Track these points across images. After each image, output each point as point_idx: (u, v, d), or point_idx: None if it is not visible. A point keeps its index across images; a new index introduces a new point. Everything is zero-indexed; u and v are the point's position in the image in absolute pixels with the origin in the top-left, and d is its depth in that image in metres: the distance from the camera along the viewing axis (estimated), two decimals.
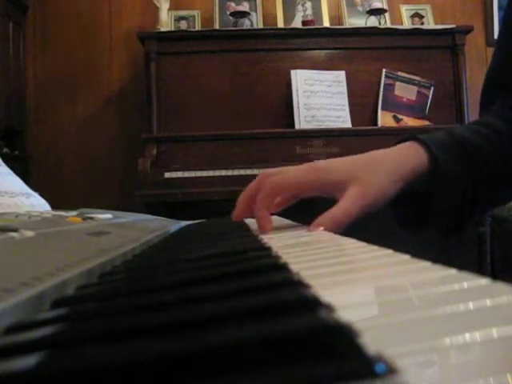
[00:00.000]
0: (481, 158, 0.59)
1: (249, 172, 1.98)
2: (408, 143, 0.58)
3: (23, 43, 2.61)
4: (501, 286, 0.18)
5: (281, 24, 2.45)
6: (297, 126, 2.16)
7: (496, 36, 2.65)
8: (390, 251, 0.29)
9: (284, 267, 0.25)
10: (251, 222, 0.67)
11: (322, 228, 0.49)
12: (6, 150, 2.34)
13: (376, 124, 2.25)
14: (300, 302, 0.17)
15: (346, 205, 0.51)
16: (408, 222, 0.62)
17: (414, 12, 2.58)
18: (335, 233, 0.48)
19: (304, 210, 0.68)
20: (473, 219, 0.62)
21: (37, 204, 0.78)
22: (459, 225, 0.61)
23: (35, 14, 2.65)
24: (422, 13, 2.58)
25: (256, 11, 2.51)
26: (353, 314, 0.16)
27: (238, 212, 0.57)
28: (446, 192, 0.57)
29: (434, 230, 0.61)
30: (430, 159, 0.56)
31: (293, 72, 2.21)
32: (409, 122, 2.28)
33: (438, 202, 0.57)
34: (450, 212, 0.59)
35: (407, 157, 0.56)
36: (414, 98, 2.29)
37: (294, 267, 0.24)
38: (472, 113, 2.24)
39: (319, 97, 2.22)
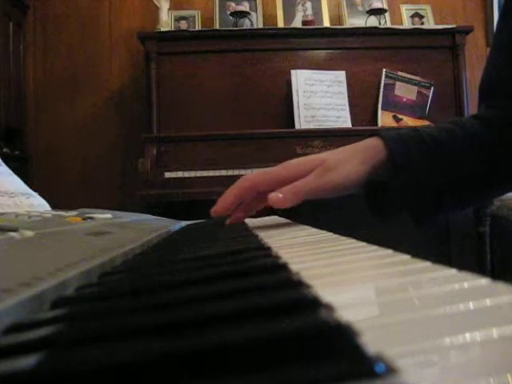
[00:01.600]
0: (442, 152, 0.62)
1: (249, 172, 1.98)
2: (370, 138, 0.64)
3: (23, 43, 2.61)
4: (501, 286, 0.18)
5: (281, 24, 2.45)
6: (297, 126, 2.16)
7: None
8: (390, 251, 0.29)
9: (284, 267, 0.25)
10: (251, 222, 0.67)
11: (280, 195, 0.56)
12: (5, 149, 2.34)
13: (376, 124, 2.25)
14: (300, 302, 0.17)
15: (308, 179, 0.58)
16: (379, 212, 0.66)
17: (413, 12, 2.58)
18: (293, 202, 0.57)
19: (304, 210, 0.68)
20: (444, 212, 0.65)
21: (37, 204, 0.78)
22: (428, 216, 0.64)
23: (35, 14, 2.65)
24: (422, 13, 2.58)
25: (256, 11, 2.51)
26: (353, 314, 0.16)
27: (217, 208, 0.62)
28: (405, 182, 0.61)
29: (407, 218, 0.65)
30: (387, 151, 0.61)
31: (293, 72, 2.21)
32: (409, 121, 2.28)
33: (399, 193, 0.62)
34: (414, 202, 0.63)
35: (367, 148, 0.62)
36: (414, 97, 2.29)
37: (294, 267, 0.24)
38: (472, 113, 2.24)
39: (319, 97, 2.22)
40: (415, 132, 0.63)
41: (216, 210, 0.61)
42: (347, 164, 0.59)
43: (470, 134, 0.63)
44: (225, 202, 0.60)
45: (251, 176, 0.61)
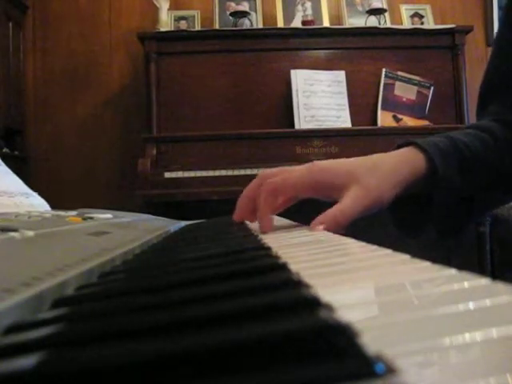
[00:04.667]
0: (478, 162, 0.59)
1: (249, 172, 1.98)
2: (407, 148, 0.58)
3: (23, 43, 2.61)
4: (501, 286, 0.18)
5: (281, 24, 2.45)
6: (297, 126, 2.16)
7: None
8: (389, 251, 0.29)
9: (284, 267, 0.25)
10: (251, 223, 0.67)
11: (322, 226, 0.50)
12: (6, 149, 2.34)
13: (376, 124, 2.25)
14: (300, 301, 0.17)
15: (348, 204, 0.52)
16: (406, 226, 0.63)
17: (413, 12, 2.58)
18: (336, 232, 0.49)
19: (304, 209, 0.68)
20: (471, 221, 0.63)
21: (37, 204, 0.78)
22: (457, 227, 0.61)
23: (35, 14, 2.65)
24: (422, 13, 2.58)
25: (256, 11, 2.51)
26: (353, 314, 0.16)
27: (240, 213, 0.58)
28: (445, 197, 0.57)
29: (433, 232, 0.62)
30: (428, 165, 0.56)
31: (293, 72, 2.21)
32: (408, 121, 2.28)
33: (436, 207, 0.58)
34: (448, 215, 0.59)
35: (406, 162, 0.57)
36: (413, 97, 2.29)
37: (294, 267, 0.24)
38: (472, 113, 2.24)
39: (319, 97, 2.22)
40: (450, 141, 0.59)
41: (236, 217, 0.57)
42: (383, 184, 0.54)
43: (499, 140, 0.61)
44: (240, 209, 0.56)
45: (273, 181, 0.54)
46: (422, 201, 0.59)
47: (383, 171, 0.55)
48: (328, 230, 0.49)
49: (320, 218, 0.51)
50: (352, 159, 0.57)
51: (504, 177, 0.61)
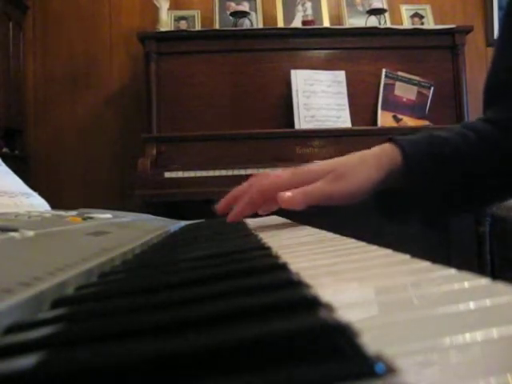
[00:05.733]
0: (457, 155, 0.61)
1: (249, 172, 1.98)
2: (385, 144, 0.62)
3: (23, 43, 2.61)
4: (501, 286, 0.18)
5: (281, 24, 2.45)
6: (297, 126, 2.16)
7: (496, 36, 2.64)
8: (389, 251, 0.29)
9: (284, 267, 0.25)
10: (251, 222, 0.67)
11: (290, 194, 0.55)
12: (5, 149, 2.34)
13: (376, 124, 2.25)
14: (300, 301, 0.17)
15: (319, 183, 0.56)
16: (391, 216, 0.65)
17: (413, 12, 2.58)
18: (303, 204, 0.55)
19: (304, 210, 0.68)
20: (457, 215, 0.64)
21: (37, 204, 0.78)
22: (442, 220, 0.63)
23: (35, 14, 2.65)
24: (422, 13, 2.58)
25: (256, 11, 2.51)
26: (353, 314, 0.16)
27: (223, 206, 0.63)
28: (417, 187, 0.59)
29: (417, 222, 0.64)
30: (402, 156, 0.59)
31: (293, 72, 2.21)
32: (409, 121, 2.28)
33: (410, 196, 0.60)
34: (429, 206, 0.62)
35: (383, 155, 0.60)
36: (413, 97, 2.29)
37: (294, 267, 0.24)
38: (472, 113, 2.24)
39: (319, 97, 2.21)
40: (430, 137, 0.62)
41: (218, 208, 0.63)
42: (358, 172, 0.57)
43: (484, 138, 0.62)
44: (225, 202, 0.62)
45: (258, 183, 0.59)
46: (402, 192, 0.61)
47: (361, 164, 0.58)
48: (294, 200, 0.55)
49: (292, 190, 0.56)
50: (333, 159, 0.61)
51: (490, 175, 0.62)
